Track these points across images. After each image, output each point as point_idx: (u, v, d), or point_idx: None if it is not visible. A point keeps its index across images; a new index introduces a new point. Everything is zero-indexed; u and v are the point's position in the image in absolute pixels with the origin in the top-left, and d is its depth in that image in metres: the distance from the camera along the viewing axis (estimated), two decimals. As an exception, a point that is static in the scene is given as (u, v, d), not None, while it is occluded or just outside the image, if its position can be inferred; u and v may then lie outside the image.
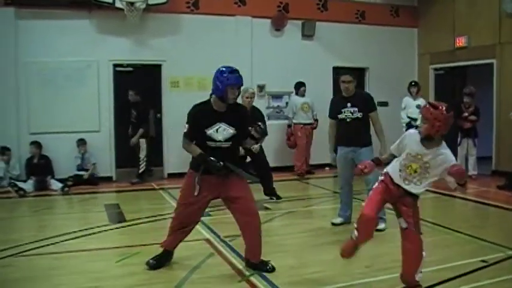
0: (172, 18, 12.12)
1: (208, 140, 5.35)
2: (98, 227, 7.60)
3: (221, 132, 5.34)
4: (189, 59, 12.12)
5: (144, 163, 11.65)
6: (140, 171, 11.65)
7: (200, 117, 5.36)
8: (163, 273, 5.63)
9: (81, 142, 11.33)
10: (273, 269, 5.53)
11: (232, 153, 5.50)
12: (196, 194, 5.43)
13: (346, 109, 7.25)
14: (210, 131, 5.31)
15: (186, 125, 5.41)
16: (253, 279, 5.36)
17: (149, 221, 8.01)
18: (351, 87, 7.26)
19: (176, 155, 12.22)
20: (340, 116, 7.32)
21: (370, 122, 7.35)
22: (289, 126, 12.49)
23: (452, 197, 9.58)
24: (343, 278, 5.30)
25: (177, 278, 5.33)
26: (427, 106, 4.61)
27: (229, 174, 5.42)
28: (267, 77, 12.87)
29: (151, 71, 12.24)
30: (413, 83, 12.19)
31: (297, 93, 12.54)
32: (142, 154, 11.59)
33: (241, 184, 5.58)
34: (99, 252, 6.39)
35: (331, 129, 7.58)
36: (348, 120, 7.24)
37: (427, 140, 4.59)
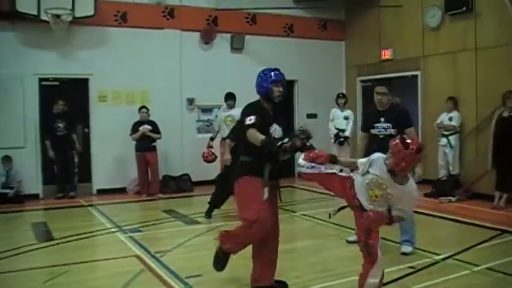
0: (100, 31, 11.93)
1: None
2: (25, 246, 7.34)
3: (276, 132, 5.17)
4: (117, 73, 11.94)
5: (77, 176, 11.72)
6: (75, 184, 11.70)
7: (263, 115, 5.13)
8: (92, 291, 5.52)
9: (6, 159, 10.96)
10: None
11: None
12: (265, 198, 4.99)
13: (379, 124, 6.70)
14: (270, 130, 5.13)
15: (252, 117, 4.98)
16: (185, 294, 5.31)
17: (78, 239, 7.80)
18: (384, 100, 6.75)
19: (105, 171, 12.08)
20: (372, 131, 6.78)
21: None
22: (211, 139, 11.18)
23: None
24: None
25: (107, 296, 5.23)
26: (398, 142, 4.36)
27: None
28: (197, 90, 12.84)
29: (78, 85, 11.97)
30: (340, 95, 12.39)
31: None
32: (75, 166, 11.67)
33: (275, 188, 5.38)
34: (27, 272, 6.17)
35: (362, 142, 7.07)
36: (380, 136, 6.64)
37: (391, 173, 4.42)
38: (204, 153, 11.05)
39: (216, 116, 12.07)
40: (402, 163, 4.29)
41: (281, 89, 5.20)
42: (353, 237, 6.77)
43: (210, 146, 11.10)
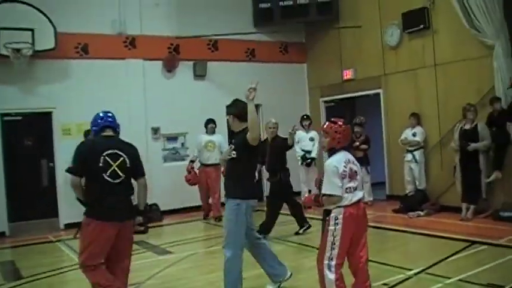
0: (61, 64, 11.82)
1: None
2: (-8, 286, 7.20)
3: None
4: (81, 105, 11.73)
5: None
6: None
7: None
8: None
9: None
10: None
11: None
12: None
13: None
14: None
15: None
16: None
17: (47, 276, 7.65)
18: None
19: (71, 205, 11.83)
20: None
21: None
22: (192, 161, 11.83)
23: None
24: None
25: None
26: (327, 123, 5.00)
27: None
28: (162, 118, 12.80)
29: (41, 119, 11.85)
30: (305, 117, 12.48)
31: (206, 132, 11.91)
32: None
33: None
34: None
35: None
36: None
37: (331, 153, 4.97)
38: (187, 176, 11.60)
39: (182, 143, 12.67)
40: (337, 135, 4.89)
41: None
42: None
43: (192, 168, 11.66)
